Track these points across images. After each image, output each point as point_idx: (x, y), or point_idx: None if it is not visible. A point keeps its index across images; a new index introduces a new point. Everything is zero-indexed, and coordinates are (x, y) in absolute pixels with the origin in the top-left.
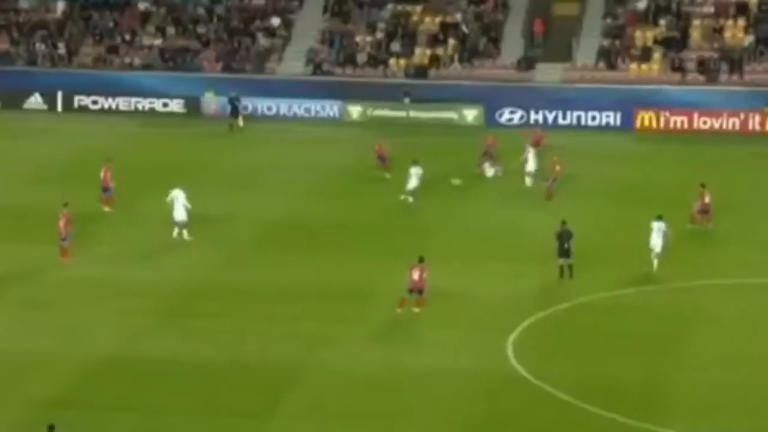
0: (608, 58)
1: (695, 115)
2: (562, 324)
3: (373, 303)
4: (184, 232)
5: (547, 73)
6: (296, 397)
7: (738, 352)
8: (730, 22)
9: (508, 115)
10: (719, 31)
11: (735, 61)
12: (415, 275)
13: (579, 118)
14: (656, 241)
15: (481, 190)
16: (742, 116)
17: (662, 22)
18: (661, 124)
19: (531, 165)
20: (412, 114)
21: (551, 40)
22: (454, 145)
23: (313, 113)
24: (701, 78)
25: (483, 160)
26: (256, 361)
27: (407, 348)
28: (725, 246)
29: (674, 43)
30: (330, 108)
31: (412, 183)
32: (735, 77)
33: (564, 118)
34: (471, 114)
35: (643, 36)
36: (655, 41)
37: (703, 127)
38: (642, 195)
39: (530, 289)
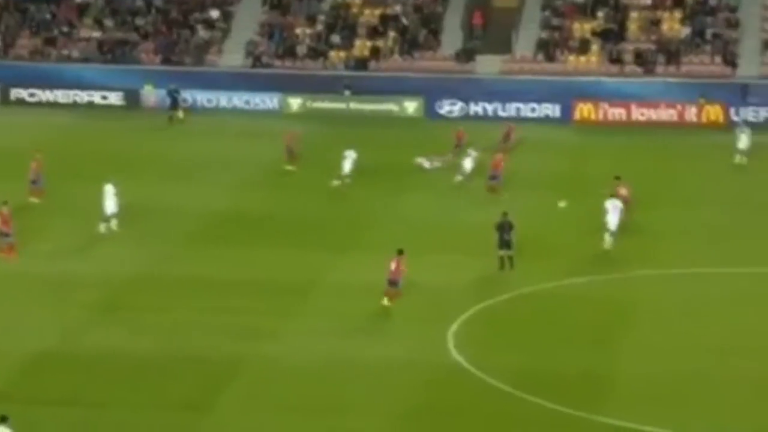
0: (547, 50)
1: (633, 107)
2: (503, 315)
3: (313, 295)
4: (114, 222)
5: (487, 65)
6: (237, 390)
7: (677, 342)
8: (666, 14)
9: (448, 107)
10: (656, 23)
11: (672, 53)
12: (392, 265)
13: (518, 109)
14: (612, 219)
15: (422, 182)
16: (679, 107)
17: (600, 14)
18: (600, 116)
19: (468, 164)
20: (353, 106)
21: (491, 32)
22: (394, 137)
23: (252, 105)
24: (639, 70)
25: (455, 152)
26: (197, 354)
27: (347, 340)
28: (663, 236)
29: (612, 35)
30: (270, 100)
31: (347, 166)
32: (672, 69)
33: (503, 109)
34: (411, 106)
35: (582, 28)
36: (594, 33)
37: (640, 118)
38: (581, 186)
39: (471, 280)
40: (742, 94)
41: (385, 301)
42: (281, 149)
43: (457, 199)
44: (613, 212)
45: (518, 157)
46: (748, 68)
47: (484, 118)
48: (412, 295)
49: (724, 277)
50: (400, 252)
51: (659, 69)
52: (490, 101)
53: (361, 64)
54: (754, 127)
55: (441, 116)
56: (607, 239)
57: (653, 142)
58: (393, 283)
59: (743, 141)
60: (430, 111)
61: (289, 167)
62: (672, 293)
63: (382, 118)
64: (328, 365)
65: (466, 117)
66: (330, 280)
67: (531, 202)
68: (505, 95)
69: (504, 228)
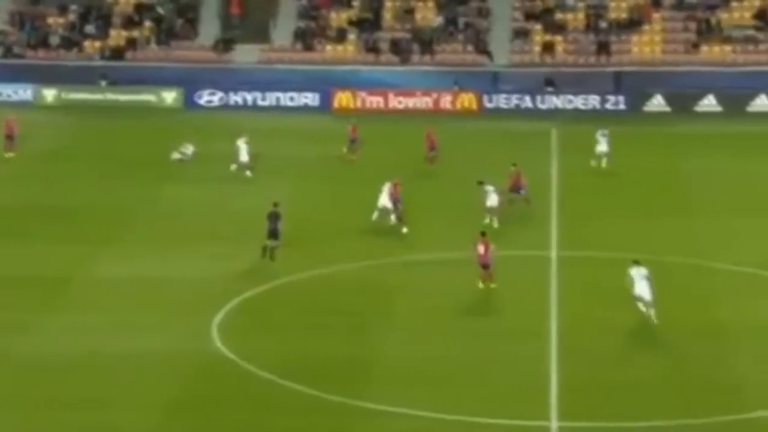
0: (305, 39)
1: (390, 95)
2: (268, 303)
3: (74, 290)
4: None
5: (246, 55)
6: None
7: (437, 326)
8: (420, 4)
9: (208, 97)
10: (410, 12)
11: (426, 42)
12: (481, 249)
13: (278, 99)
14: (490, 202)
15: (183, 173)
16: (435, 95)
17: (355, 3)
18: (358, 104)
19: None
20: (110, 96)
21: (248, 22)
22: (152, 128)
23: (5, 97)
24: (395, 59)
25: (352, 148)
26: None
27: (109, 334)
28: (429, 221)
29: (368, 25)
30: (23, 91)
31: (243, 156)
32: (427, 58)
33: (263, 99)
34: (170, 96)
35: (338, 17)
36: (350, 23)
37: (398, 106)
38: (341, 173)
39: (237, 269)
40: (494, 81)
41: (481, 285)
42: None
43: (220, 189)
44: (488, 196)
45: (280, 146)
46: (499, 57)
47: (243, 107)
48: (176, 287)
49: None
50: (483, 234)
51: (414, 58)
52: (249, 91)
53: (117, 54)
54: (506, 113)
55: (200, 106)
56: (489, 219)
57: (410, 130)
58: (486, 266)
59: (602, 144)
60: (189, 101)
61: (9, 154)
62: (430, 277)
63: (140, 108)
64: (89, 360)
65: (225, 107)
66: (91, 273)
67: (296, 190)
68: (264, 85)
69: (272, 218)
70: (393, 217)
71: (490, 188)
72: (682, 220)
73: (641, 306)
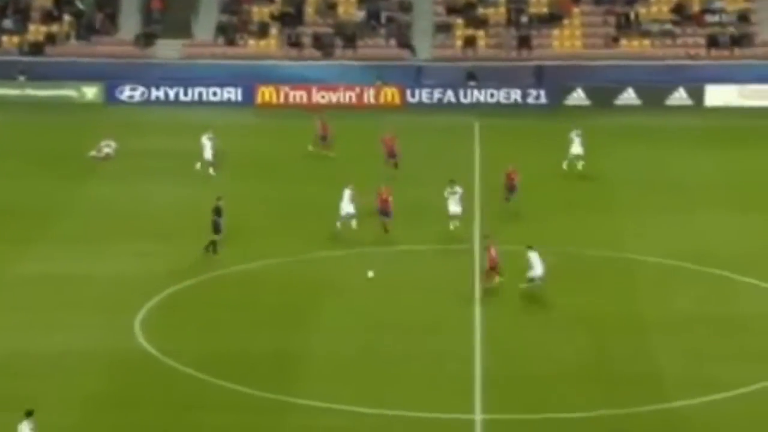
0: (227, 34)
1: (313, 90)
2: (193, 299)
3: None
4: None
5: (167, 50)
6: None
7: (363, 321)
8: None
9: (129, 92)
10: (332, 6)
11: (348, 37)
12: (493, 252)
13: (201, 94)
14: (455, 207)
15: (105, 170)
16: (358, 90)
17: None
18: (281, 99)
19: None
20: (29, 92)
21: (170, 16)
22: (73, 123)
23: None
24: (317, 53)
25: (324, 145)
26: None
27: (29, 332)
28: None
29: (290, 19)
30: None
31: (207, 153)
32: (349, 52)
33: (186, 94)
34: (90, 91)
35: (260, 12)
36: (272, 17)
37: (321, 101)
38: (267, 169)
39: (161, 266)
40: (417, 76)
41: (498, 279)
42: None
43: (142, 185)
44: (453, 200)
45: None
46: (421, 51)
47: (165, 103)
48: (98, 284)
49: (410, 255)
50: (487, 237)
51: (337, 52)
52: (171, 86)
53: (37, 49)
54: (429, 107)
55: (122, 102)
56: (452, 224)
57: (335, 124)
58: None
59: (576, 146)
60: (110, 96)
61: None
62: (357, 273)
63: (60, 104)
64: (9, 359)
65: (147, 102)
66: (12, 272)
67: (222, 185)
68: (186, 80)
69: (215, 212)
70: (354, 222)
71: (457, 191)
72: (603, 214)
73: (537, 282)
